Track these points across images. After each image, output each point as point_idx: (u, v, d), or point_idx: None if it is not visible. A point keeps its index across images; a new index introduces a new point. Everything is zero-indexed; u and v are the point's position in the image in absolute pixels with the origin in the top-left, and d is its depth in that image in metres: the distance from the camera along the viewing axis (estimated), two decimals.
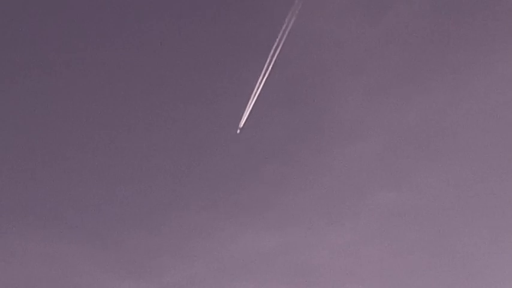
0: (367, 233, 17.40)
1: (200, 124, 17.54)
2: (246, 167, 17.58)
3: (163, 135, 17.54)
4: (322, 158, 17.62)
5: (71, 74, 17.41)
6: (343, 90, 17.75)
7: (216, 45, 17.56)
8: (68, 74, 17.40)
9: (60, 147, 17.46)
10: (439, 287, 16.92)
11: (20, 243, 16.80)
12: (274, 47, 16.40)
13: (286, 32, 16.37)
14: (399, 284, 16.99)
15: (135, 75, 17.61)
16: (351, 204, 17.48)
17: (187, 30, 17.48)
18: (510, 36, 17.40)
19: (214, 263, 17.11)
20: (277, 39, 16.46)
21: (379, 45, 17.62)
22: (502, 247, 17.04)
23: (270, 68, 16.45)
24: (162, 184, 17.48)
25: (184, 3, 17.48)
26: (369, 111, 17.71)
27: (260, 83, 16.51)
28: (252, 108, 16.76)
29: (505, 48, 17.38)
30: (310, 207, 17.45)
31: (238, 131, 16.82)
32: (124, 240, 17.09)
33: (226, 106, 17.44)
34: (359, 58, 17.65)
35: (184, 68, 17.57)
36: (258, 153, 17.59)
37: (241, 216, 17.35)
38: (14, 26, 17.23)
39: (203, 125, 17.55)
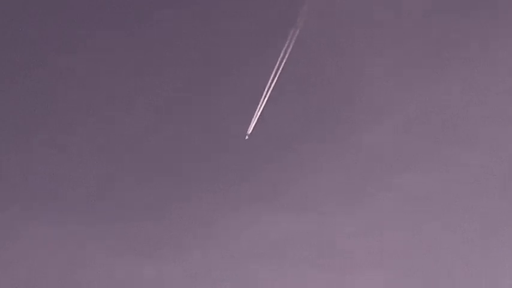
0: (387, 216, 17.15)
1: (215, 110, 17.47)
2: (263, 151, 17.39)
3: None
4: (339, 141, 17.37)
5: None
6: (358, 75, 17.54)
7: (227, 38, 17.50)
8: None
9: (70, 130, 17.38)
10: (460, 270, 16.79)
11: (28, 228, 16.71)
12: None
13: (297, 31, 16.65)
14: (419, 266, 16.84)
15: (145, 78, 17.54)
16: (370, 188, 17.24)
17: (195, 33, 17.49)
18: None
19: (231, 248, 16.98)
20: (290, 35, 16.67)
21: (399, 26, 17.50)
22: None
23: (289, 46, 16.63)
24: (175, 170, 17.36)
25: (190, 7, 17.49)
26: (386, 94, 17.48)
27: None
28: (270, 94, 16.85)
29: None
30: (328, 191, 17.25)
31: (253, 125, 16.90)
32: (136, 224, 16.96)
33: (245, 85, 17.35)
34: (378, 40, 17.55)
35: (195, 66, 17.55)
36: (275, 139, 17.41)
37: (259, 201, 17.16)
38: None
39: (218, 111, 17.47)
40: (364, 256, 17.03)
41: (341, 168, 17.40)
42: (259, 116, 17.01)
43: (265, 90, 16.95)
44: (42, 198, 16.94)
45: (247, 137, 17.10)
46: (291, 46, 16.83)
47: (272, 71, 16.92)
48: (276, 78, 16.92)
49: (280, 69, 16.86)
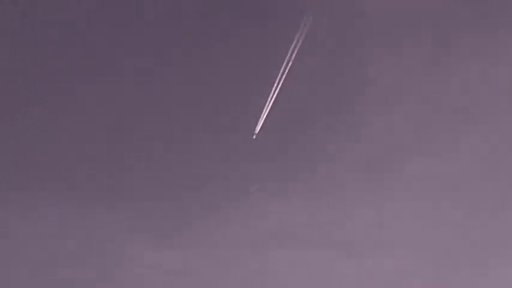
0: (398, 204, 17.32)
1: (225, 99, 17.42)
2: (275, 140, 17.42)
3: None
4: (354, 128, 17.50)
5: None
6: (372, 60, 17.55)
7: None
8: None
9: (87, 119, 17.37)
10: (474, 253, 16.99)
11: (42, 211, 16.76)
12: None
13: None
14: (432, 252, 17.03)
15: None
16: (382, 175, 17.35)
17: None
18: None
19: (245, 235, 17.11)
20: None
21: (407, 16, 17.48)
22: None
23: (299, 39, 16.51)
24: (188, 156, 17.39)
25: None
26: (397, 83, 17.57)
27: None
28: (283, 82, 16.83)
29: None
30: (340, 179, 17.38)
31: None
32: (150, 209, 17.06)
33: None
34: (390, 30, 17.54)
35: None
36: (287, 127, 17.45)
37: (271, 188, 17.28)
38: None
39: (229, 99, 17.42)
40: (376, 243, 17.21)
41: (353, 156, 17.50)
42: (272, 104, 17.02)
43: (278, 77, 16.96)
44: (61, 185, 16.96)
45: (259, 127, 17.03)
46: (300, 39, 16.82)
47: (285, 58, 16.93)
48: (289, 65, 16.91)
49: (293, 56, 16.87)
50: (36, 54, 17.05)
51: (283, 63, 16.92)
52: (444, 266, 17.04)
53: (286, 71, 16.88)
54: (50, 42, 17.04)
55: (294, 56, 16.87)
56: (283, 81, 16.93)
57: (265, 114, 17.03)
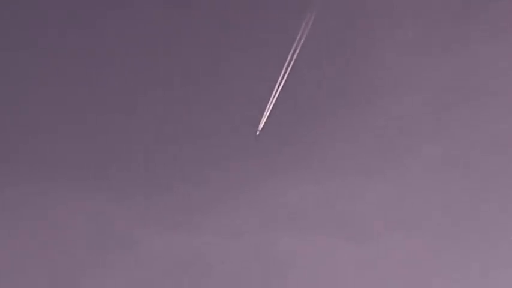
0: (409, 186, 17.38)
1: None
2: (288, 120, 17.62)
3: None
4: (365, 111, 17.62)
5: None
6: (382, 45, 17.74)
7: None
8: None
9: (99, 105, 17.73)
10: (484, 238, 16.98)
11: (54, 198, 16.99)
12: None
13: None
14: (443, 235, 17.07)
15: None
16: (394, 157, 17.49)
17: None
18: None
19: (257, 216, 17.24)
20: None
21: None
22: None
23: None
24: (200, 139, 17.63)
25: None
26: (411, 65, 17.71)
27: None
28: (294, 61, 16.97)
29: None
30: (352, 161, 17.50)
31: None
32: (165, 194, 17.27)
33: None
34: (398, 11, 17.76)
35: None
36: (301, 108, 17.67)
37: (283, 168, 17.43)
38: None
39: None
40: (386, 223, 17.30)
41: (367, 137, 17.67)
42: (284, 82, 17.08)
43: (288, 58, 17.09)
44: (73, 173, 17.25)
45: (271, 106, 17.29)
46: (310, 22, 16.96)
47: (298, 32, 17.04)
48: (302, 39, 16.99)
49: (307, 31, 17.00)
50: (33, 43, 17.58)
51: (292, 46, 17.02)
52: (453, 243, 17.12)
53: (300, 44, 17.00)
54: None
55: (301, 42, 17.01)
56: (293, 64, 17.00)
57: (276, 97, 17.15)
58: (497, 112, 17.52)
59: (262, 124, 17.19)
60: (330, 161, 17.51)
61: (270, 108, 17.10)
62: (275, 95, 17.09)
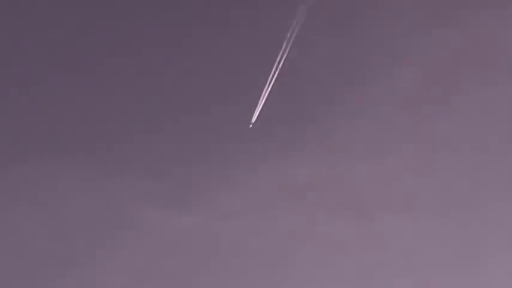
0: (413, 163, 17.33)
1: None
2: (289, 98, 17.55)
3: None
4: (366, 88, 17.48)
5: None
6: (383, 21, 17.67)
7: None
8: None
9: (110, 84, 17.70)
10: (488, 215, 16.94)
11: (58, 176, 16.99)
12: None
13: None
14: (448, 214, 17.01)
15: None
16: (397, 135, 17.45)
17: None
18: None
19: (260, 195, 17.18)
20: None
21: None
22: None
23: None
24: (206, 117, 17.57)
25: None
26: (413, 40, 17.64)
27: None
28: (291, 46, 16.92)
29: None
30: (355, 139, 17.44)
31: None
32: (168, 171, 17.19)
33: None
34: None
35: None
36: (296, 89, 17.54)
37: (286, 147, 17.36)
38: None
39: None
40: (389, 202, 17.24)
41: (368, 116, 17.60)
42: (284, 59, 16.97)
43: (286, 40, 17.05)
44: (79, 152, 17.22)
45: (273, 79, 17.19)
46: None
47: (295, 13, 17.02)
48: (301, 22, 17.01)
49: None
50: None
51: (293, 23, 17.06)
52: (454, 223, 17.10)
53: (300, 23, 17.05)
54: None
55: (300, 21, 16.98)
56: (292, 44, 16.95)
57: (275, 75, 17.05)
58: (500, 89, 17.49)
59: (259, 110, 17.16)
60: (329, 141, 17.41)
61: (269, 90, 17.05)
62: (273, 76, 17.04)
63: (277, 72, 16.99)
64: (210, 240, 16.87)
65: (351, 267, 16.80)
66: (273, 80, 17.03)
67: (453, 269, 16.75)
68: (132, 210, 16.90)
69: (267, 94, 17.08)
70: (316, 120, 17.51)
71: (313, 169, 17.29)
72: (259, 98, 17.08)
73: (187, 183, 17.16)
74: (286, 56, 16.96)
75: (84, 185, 16.99)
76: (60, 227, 16.72)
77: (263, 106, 17.10)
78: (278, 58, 16.96)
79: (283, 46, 16.95)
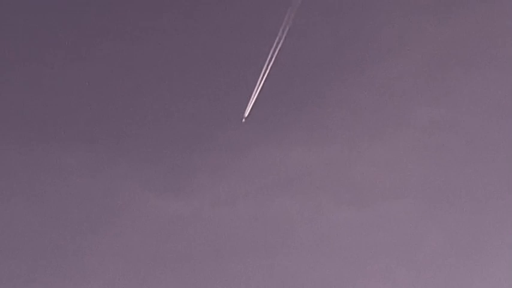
0: (407, 149, 17.39)
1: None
2: (284, 83, 17.65)
3: None
4: (361, 74, 17.63)
5: None
6: (375, 10, 17.88)
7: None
8: None
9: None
10: (483, 199, 16.97)
11: (58, 160, 17.19)
12: None
13: None
14: (442, 199, 17.03)
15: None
16: (391, 120, 17.51)
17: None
18: None
19: (256, 180, 17.24)
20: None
21: None
22: None
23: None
24: (200, 105, 17.70)
25: None
26: (409, 26, 17.81)
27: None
28: (287, 33, 17.02)
29: None
30: (350, 124, 17.52)
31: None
32: (163, 159, 17.31)
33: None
34: None
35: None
36: (293, 74, 17.69)
37: (281, 134, 17.45)
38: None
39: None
40: (382, 188, 17.24)
41: (362, 101, 17.66)
42: (282, 45, 17.05)
43: (283, 25, 17.17)
44: (78, 139, 17.43)
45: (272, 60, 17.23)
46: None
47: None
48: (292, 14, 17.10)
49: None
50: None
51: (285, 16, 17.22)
52: (450, 208, 17.10)
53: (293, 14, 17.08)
54: None
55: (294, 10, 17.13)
56: (288, 31, 17.05)
57: (272, 60, 17.09)
58: (498, 76, 17.56)
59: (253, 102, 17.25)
60: (326, 125, 17.52)
61: (266, 75, 17.13)
62: (270, 61, 17.12)
63: (272, 61, 17.09)
64: (204, 226, 16.95)
65: (345, 254, 16.81)
66: (268, 68, 17.13)
67: (449, 255, 16.75)
68: (129, 196, 17.07)
69: (262, 83, 17.21)
70: (308, 106, 17.60)
71: (306, 155, 17.37)
72: (253, 87, 17.21)
73: (182, 170, 17.27)
74: (281, 44, 17.06)
75: (83, 171, 17.19)
76: (58, 213, 16.90)
77: (257, 95, 17.24)
78: (273, 46, 17.06)
79: (278, 34, 17.06)
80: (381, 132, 17.45)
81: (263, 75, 17.08)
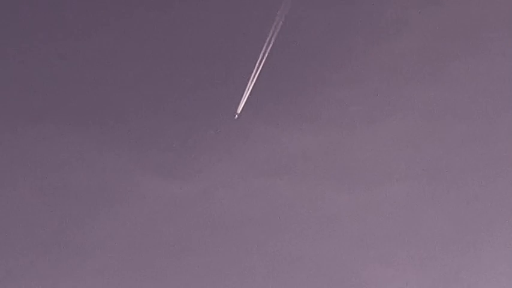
0: (406, 131, 17.34)
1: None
2: (283, 66, 17.58)
3: None
4: (357, 58, 17.61)
5: None
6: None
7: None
8: None
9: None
10: (484, 180, 16.83)
11: (54, 141, 17.19)
12: None
13: None
14: (442, 180, 16.92)
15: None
16: (388, 104, 17.42)
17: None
18: None
19: (253, 164, 17.17)
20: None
21: None
22: None
23: None
24: (197, 88, 17.70)
25: None
26: (404, 10, 17.82)
27: None
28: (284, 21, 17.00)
29: None
30: (347, 109, 17.44)
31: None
32: (163, 141, 17.31)
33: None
34: None
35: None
36: (287, 58, 17.63)
37: (277, 116, 17.42)
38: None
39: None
40: (382, 171, 17.13)
41: (359, 85, 17.58)
42: (280, 28, 17.02)
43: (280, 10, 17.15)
44: (73, 118, 17.40)
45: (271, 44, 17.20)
46: None
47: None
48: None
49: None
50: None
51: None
52: (452, 189, 16.97)
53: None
54: None
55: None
56: (285, 19, 17.03)
57: (270, 47, 17.06)
58: (500, 59, 17.53)
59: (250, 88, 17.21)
60: (320, 110, 17.44)
61: (264, 59, 17.08)
62: (266, 50, 17.09)
63: (270, 46, 17.06)
64: (203, 208, 16.87)
65: (346, 237, 16.70)
66: (267, 52, 17.09)
67: (450, 237, 16.60)
68: (129, 178, 17.05)
69: (261, 67, 17.15)
70: (306, 89, 17.53)
71: (305, 138, 17.31)
72: (251, 70, 17.17)
73: (181, 152, 17.24)
74: (279, 30, 17.06)
75: (82, 154, 17.18)
76: (57, 194, 16.86)
77: (256, 78, 17.20)
78: (270, 32, 17.06)
79: (276, 19, 17.07)
80: (379, 114, 17.40)
81: (260, 60, 17.09)
